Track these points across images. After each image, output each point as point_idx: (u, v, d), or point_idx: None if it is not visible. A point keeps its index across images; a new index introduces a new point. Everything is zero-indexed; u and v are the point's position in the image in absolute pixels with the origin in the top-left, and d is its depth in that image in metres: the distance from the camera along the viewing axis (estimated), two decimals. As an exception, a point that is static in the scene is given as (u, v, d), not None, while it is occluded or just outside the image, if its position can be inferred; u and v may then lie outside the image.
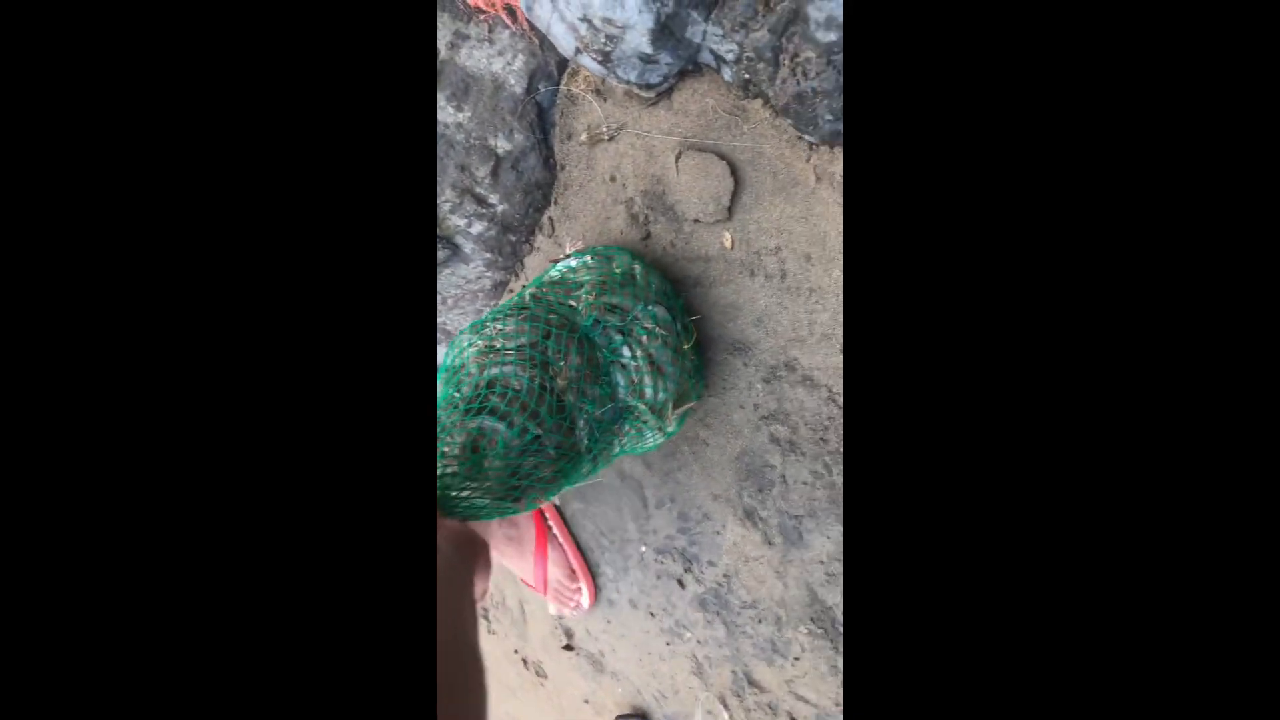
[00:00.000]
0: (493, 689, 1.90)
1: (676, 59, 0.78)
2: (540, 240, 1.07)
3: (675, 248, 0.92)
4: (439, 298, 1.16)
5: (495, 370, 0.70)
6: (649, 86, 0.83)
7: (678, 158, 0.87)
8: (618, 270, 0.80)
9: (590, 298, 0.77)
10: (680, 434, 1.00)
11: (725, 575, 1.08)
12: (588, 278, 0.80)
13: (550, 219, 1.05)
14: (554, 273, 0.87)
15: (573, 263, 0.86)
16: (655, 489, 1.11)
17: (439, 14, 0.90)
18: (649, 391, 0.76)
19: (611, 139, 0.93)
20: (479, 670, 0.58)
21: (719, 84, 0.81)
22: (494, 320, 0.75)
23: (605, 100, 0.91)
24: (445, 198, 0.98)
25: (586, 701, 1.49)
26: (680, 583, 1.16)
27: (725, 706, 1.20)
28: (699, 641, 1.19)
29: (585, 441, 0.73)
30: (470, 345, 0.74)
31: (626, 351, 0.75)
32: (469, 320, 1.23)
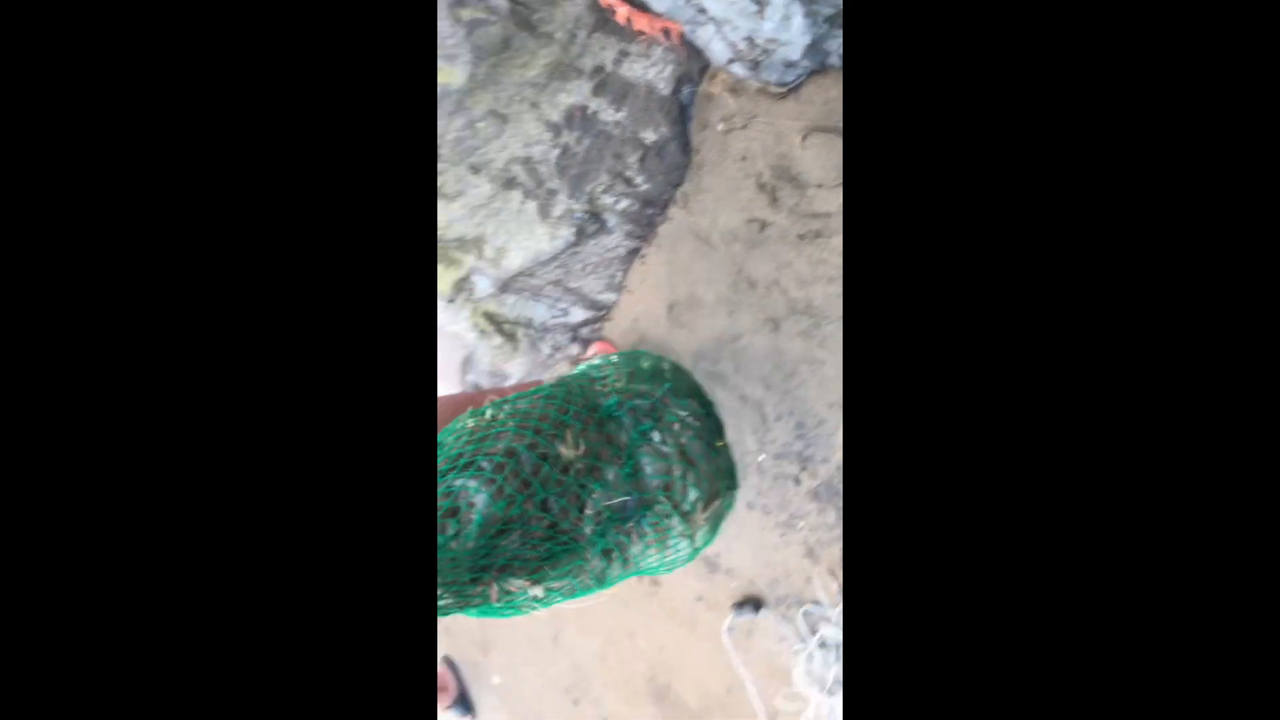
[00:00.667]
0: (607, 604, 2.14)
1: (812, 62, 1.04)
2: (673, 211, 1.33)
3: (799, 208, 1.19)
4: (580, 264, 1.41)
5: (492, 439, 0.62)
6: (783, 85, 1.09)
7: (804, 138, 1.13)
8: (645, 365, 0.75)
9: (619, 384, 0.72)
10: (801, 355, 1.27)
11: (838, 467, 1.37)
12: (613, 372, 0.75)
13: (684, 194, 1.30)
14: (579, 370, 0.81)
15: (597, 361, 0.80)
16: (775, 405, 1.39)
17: (605, 36, 1.15)
18: (678, 485, 0.67)
19: (744, 127, 1.19)
20: None
21: (840, 80, 1.07)
22: (503, 405, 0.68)
23: (739, 96, 1.17)
24: (600, 181, 1.24)
25: (700, 599, 1.77)
26: (795, 480, 1.44)
27: (834, 577, 1.49)
28: (811, 529, 1.48)
29: (591, 530, 0.63)
30: (471, 417, 0.67)
31: (656, 435, 0.68)
32: (603, 285, 1.48)
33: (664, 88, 1.16)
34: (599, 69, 1.05)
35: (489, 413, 0.66)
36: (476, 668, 2.56)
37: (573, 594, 0.67)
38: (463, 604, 0.58)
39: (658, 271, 1.32)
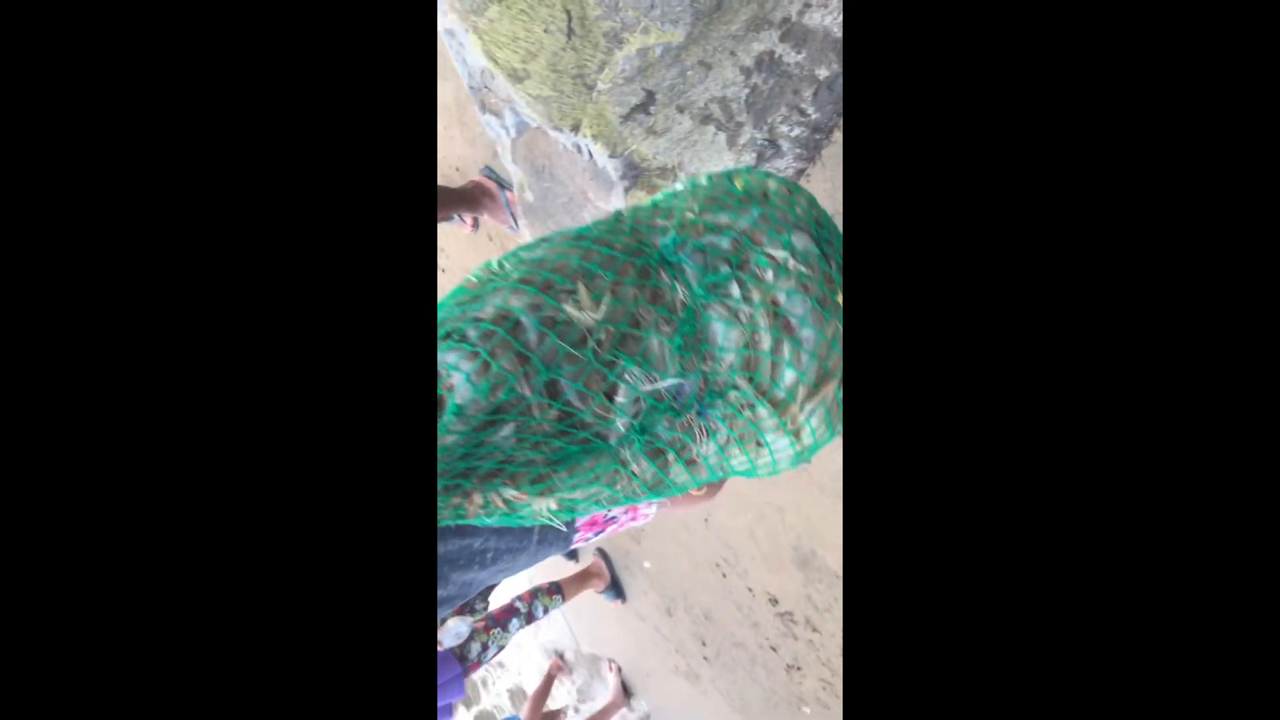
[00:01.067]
0: (757, 482, 2.07)
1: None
2: (837, 135, 1.29)
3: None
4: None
5: (485, 299, 0.44)
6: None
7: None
8: (738, 186, 0.50)
9: (690, 214, 0.48)
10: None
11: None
12: (687, 199, 0.51)
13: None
14: (652, 201, 0.56)
15: (679, 186, 0.55)
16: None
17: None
18: (765, 362, 0.45)
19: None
20: None
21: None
22: (520, 251, 0.49)
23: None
24: (779, 113, 1.33)
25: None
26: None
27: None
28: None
29: (625, 425, 0.44)
30: (477, 273, 0.50)
31: (735, 290, 0.45)
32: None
33: (837, 31, 1.21)
34: (786, 19, 1.22)
35: (499, 264, 0.46)
36: (628, 555, 2.63)
37: (615, 503, 0.46)
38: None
39: (821, 187, 1.37)
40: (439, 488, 0.41)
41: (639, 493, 0.46)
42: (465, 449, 0.39)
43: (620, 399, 0.42)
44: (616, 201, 1.38)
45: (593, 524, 0.94)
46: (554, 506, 0.42)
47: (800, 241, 0.46)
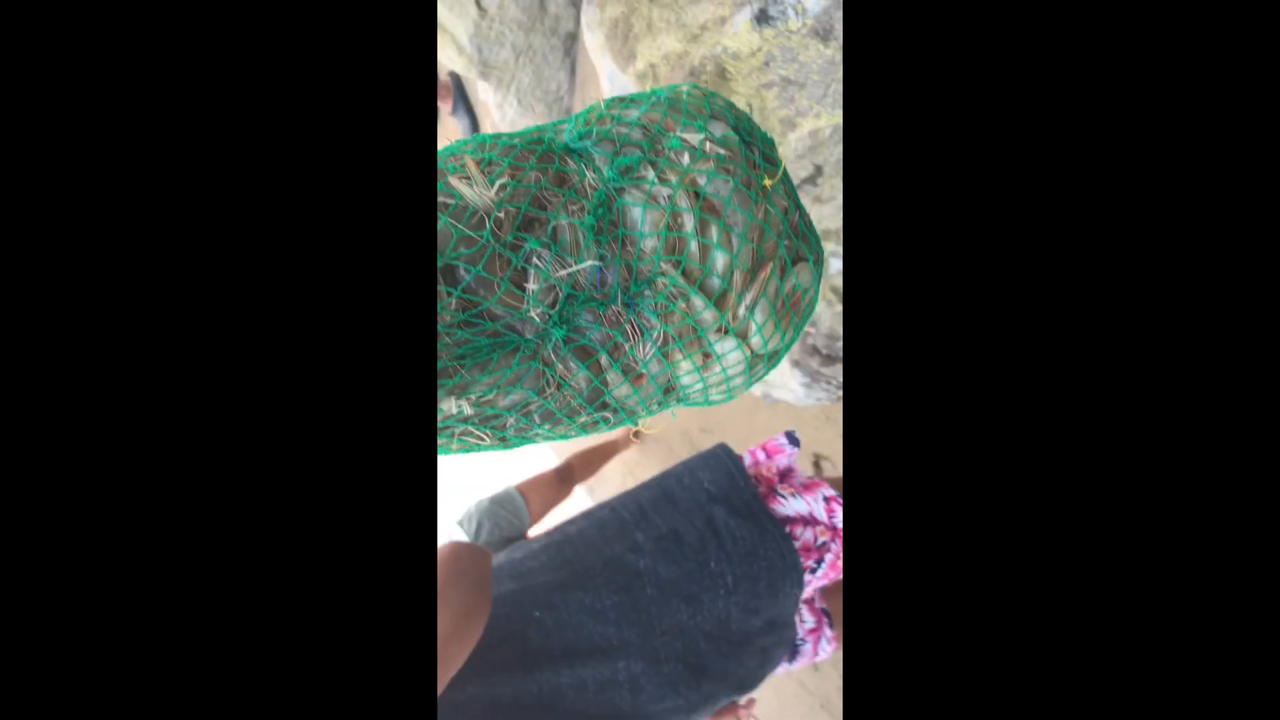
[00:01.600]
0: None
1: None
2: None
3: None
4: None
5: None
6: None
7: None
8: (650, 93, 0.48)
9: (596, 113, 0.46)
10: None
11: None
12: (610, 104, 0.49)
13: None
14: None
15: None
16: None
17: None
18: (692, 245, 0.41)
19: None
20: None
21: None
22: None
23: None
24: None
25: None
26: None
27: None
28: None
29: (537, 314, 0.40)
30: None
31: (650, 172, 0.42)
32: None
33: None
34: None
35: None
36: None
37: (557, 420, 0.43)
38: None
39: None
40: None
41: (577, 408, 0.42)
42: None
43: (531, 285, 0.39)
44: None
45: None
46: (469, 411, 0.40)
47: (717, 129, 0.44)
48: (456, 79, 2.50)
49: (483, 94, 2.24)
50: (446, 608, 0.69)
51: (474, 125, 2.57)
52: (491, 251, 0.38)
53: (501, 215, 0.39)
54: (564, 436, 0.45)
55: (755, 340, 0.44)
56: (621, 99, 0.46)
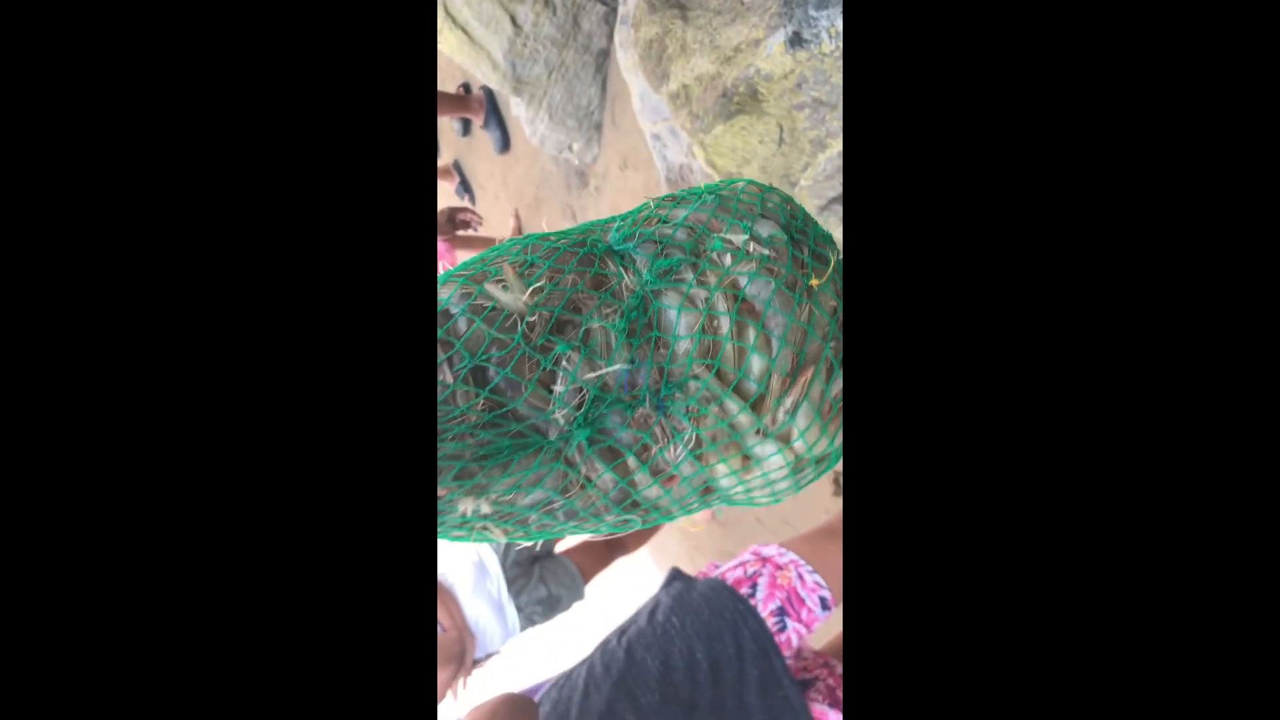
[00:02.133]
0: None
1: None
2: None
3: None
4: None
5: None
6: None
7: None
8: (702, 189, 0.47)
9: (645, 212, 0.46)
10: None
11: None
12: (657, 205, 0.48)
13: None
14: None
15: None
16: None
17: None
18: (726, 347, 0.39)
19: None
20: None
21: None
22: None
23: None
24: None
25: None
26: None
27: None
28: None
29: (563, 415, 0.39)
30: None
31: (689, 274, 0.41)
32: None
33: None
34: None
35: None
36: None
37: (582, 519, 0.42)
38: None
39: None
40: None
41: (602, 509, 0.41)
42: None
43: (558, 387, 0.39)
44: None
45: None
46: (486, 510, 0.39)
47: (765, 228, 0.42)
48: (489, 93, 2.56)
49: (515, 109, 2.29)
50: None
51: (505, 139, 2.61)
52: (521, 354, 0.39)
53: (535, 319, 0.39)
54: (594, 531, 0.44)
55: (799, 444, 0.42)
56: (673, 197, 0.46)
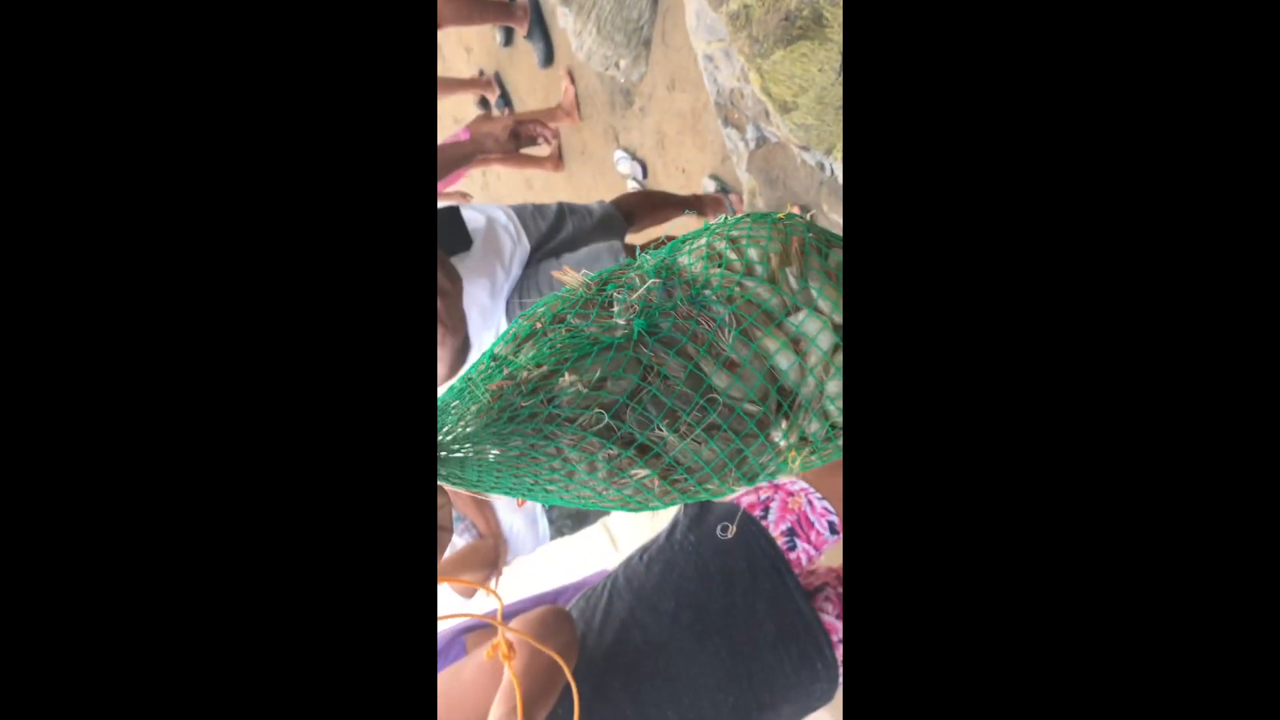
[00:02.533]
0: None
1: None
2: None
3: None
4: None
5: None
6: None
7: None
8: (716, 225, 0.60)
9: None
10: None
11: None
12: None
13: None
14: None
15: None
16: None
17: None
18: (729, 255, 0.51)
19: None
20: None
21: None
22: None
23: None
24: None
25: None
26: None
27: None
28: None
29: (623, 320, 0.51)
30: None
31: (686, 245, 0.56)
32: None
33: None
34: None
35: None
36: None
37: (667, 410, 0.49)
38: (484, 416, 0.48)
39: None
40: (482, 394, 0.49)
41: (684, 396, 0.49)
42: (497, 368, 0.50)
43: (615, 309, 0.51)
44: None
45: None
46: (582, 388, 0.48)
47: (732, 220, 0.56)
48: (534, 2, 2.47)
49: (561, 20, 2.23)
50: (538, 660, 0.82)
51: (548, 51, 2.53)
52: (584, 298, 0.52)
53: (592, 283, 0.53)
54: (696, 486, 0.51)
55: (823, 304, 0.50)
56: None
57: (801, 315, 0.49)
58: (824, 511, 1.10)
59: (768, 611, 0.99)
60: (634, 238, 1.75)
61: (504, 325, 1.40)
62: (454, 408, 0.49)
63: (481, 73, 3.19)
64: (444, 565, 1.48)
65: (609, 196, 2.03)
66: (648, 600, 0.99)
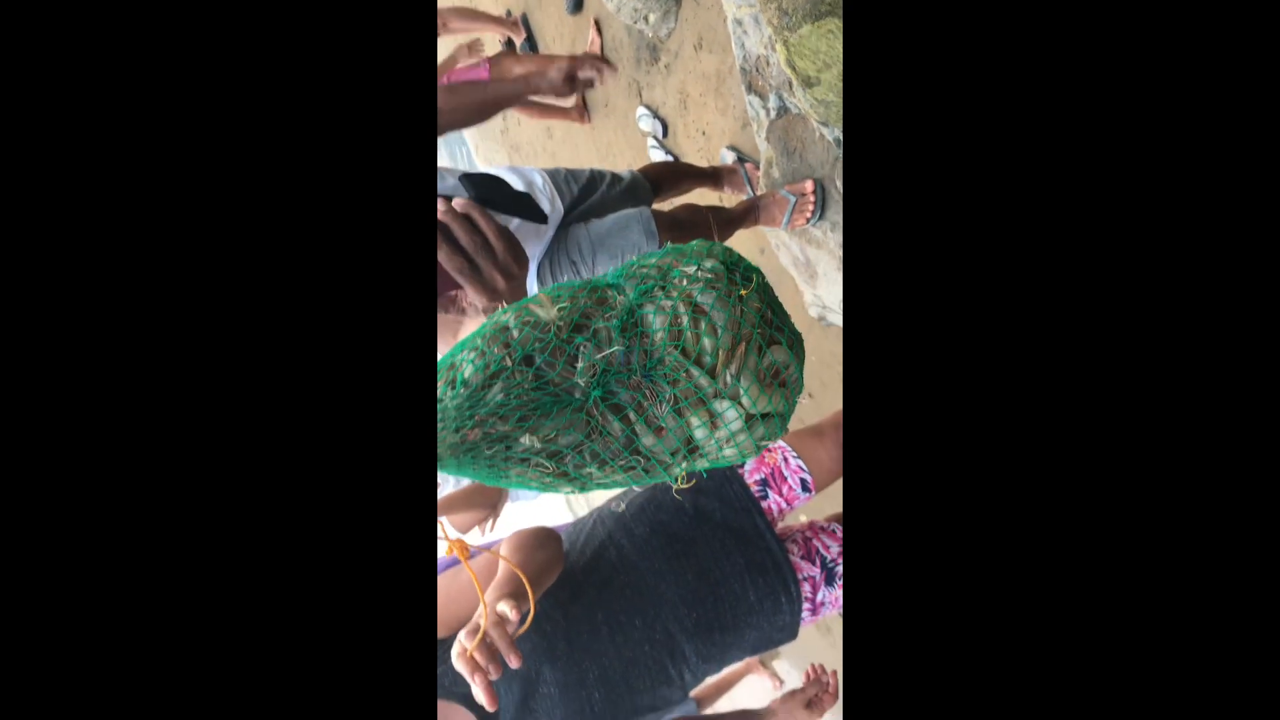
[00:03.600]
0: None
1: None
2: None
3: None
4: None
5: (491, 320, 0.65)
6: None
7: None
8: (665, 250, 0.68)
9: (629, 266, 0.67)
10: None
11: None
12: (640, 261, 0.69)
13: None
14: None
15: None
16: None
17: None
18: (688, 335, 0.60)
19: None
20: None
21: None
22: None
23: None
24: None
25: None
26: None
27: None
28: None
29: (585, 383, 0.59)
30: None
31: (660, 293, 0.62)
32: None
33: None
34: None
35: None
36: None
37: (603, 462, 0.60)
38: (455, 454, 0.58)
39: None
40: (452, 430, 0.57)
41: (616, 451, 0.60)
42: (469, 403, 0.57)
43: (579, 364, 0.59)
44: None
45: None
46: (537, 444, 0.59)
47: (708, 264, 0.62)
48: None
49: None
50: (540, 551, 0.96)
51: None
52: (554, 344, 0.59)
53: (562, 323, 0.59)
54: (611, 483, 0.61)
55: (745, 401, 0.60)
56: (647, 256, 0.66)
57: (726, 404, 0.60)
58: (798, 469, 1.20)
59: (737, 545, 1.11)
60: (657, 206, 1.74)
61: (533, 290, 1.40)
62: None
63: (509, 13, 3.11)
64: (447, 500, 1.56)
65: (629, 152, 2.00)
66: (625, 526, 1.13)
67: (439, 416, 0.56)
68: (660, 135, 2.37)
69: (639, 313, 0.60)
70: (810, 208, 1.66)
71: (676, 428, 0.60)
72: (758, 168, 1.87)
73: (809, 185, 1.66)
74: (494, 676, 0.72)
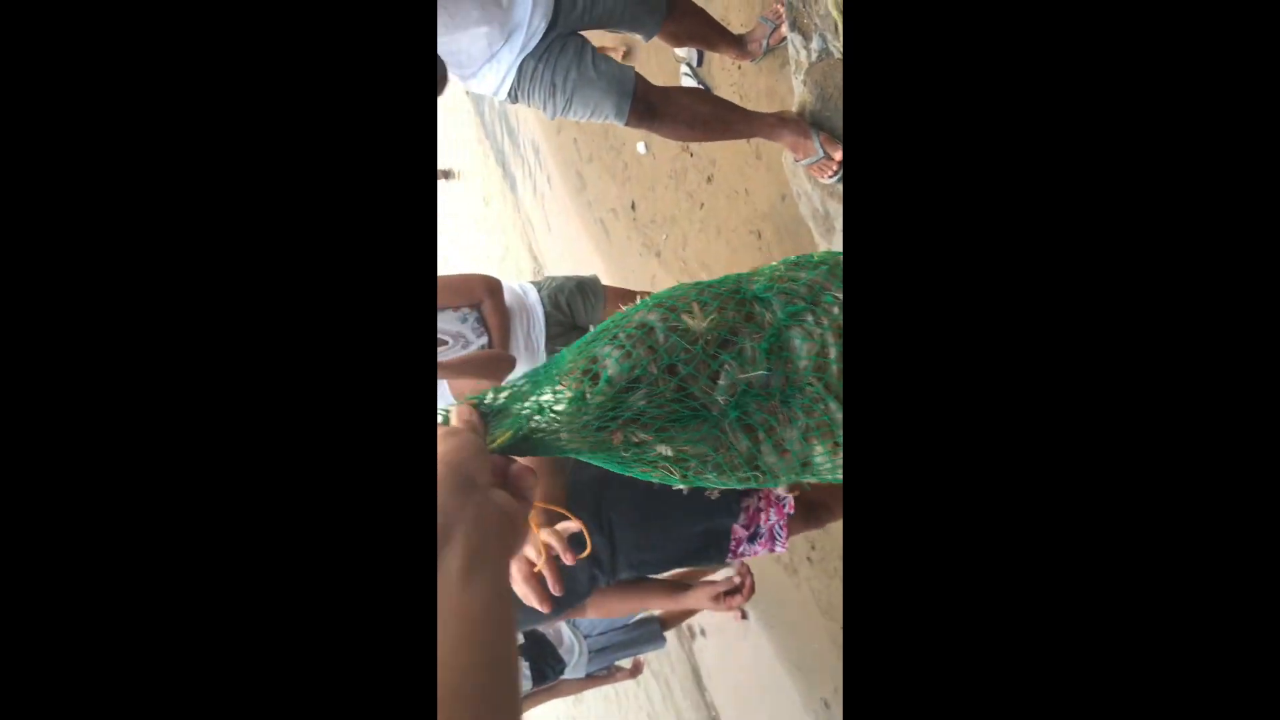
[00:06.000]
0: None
1: None
2: None
3: None
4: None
5: (631, 316, 0.63)
6: None
7: None
8: (815, 257, 0.67)
9: (778, 272, 0.65)
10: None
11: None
12: (777, 266, 0.67)
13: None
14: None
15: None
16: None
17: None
18: (833, 368, 0.59)
19: None
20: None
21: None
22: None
23: None
24: None
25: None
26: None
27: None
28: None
29: (725, 401, 0.59)
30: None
31: (810, 318, 0.61)
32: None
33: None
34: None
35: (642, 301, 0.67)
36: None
37: (723, 471, 0.64)
38: (592, 447, 0.59)
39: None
40: (594, 428, 0.57)
41: (737, 465, 0.62)
42: (611, 405, 0.58)
43: (721, 381, 0.60)
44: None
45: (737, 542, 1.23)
46: (670, 453, 0.62)
47: None
48: None
49: None
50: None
51: None
52: (700, 358, 0.61)
53: (709, 338, 0.61)
54: (727, 484, 0.65)
55: None
56: (795, 262, 0.66)
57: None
58: (781, 539, 1.28)
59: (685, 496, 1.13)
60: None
61: (508, 82, 1.43)
62: (559, 411, 0.58)
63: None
64: (459, 363, 1.51)
65: (663, 78, 2.00)
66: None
67: (580, 410, 0.56)
68: (695, 63, 2.40)
69: (786, 335, 0.61)
70: (835, 165, 1.66)
71: (801, 451, 0.62)
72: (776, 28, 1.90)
73: (838, 152, 1.65)
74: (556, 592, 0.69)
